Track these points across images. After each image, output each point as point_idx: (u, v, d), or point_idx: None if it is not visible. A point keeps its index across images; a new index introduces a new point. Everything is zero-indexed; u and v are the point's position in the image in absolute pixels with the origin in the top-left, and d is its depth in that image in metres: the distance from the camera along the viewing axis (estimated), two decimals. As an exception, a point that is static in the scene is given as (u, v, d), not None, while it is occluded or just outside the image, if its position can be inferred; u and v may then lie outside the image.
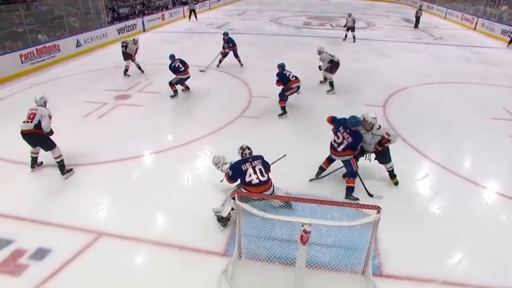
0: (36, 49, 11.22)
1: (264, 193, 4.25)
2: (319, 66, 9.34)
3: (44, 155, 5.52)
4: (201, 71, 10.75)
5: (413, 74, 10.96)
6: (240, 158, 4.49)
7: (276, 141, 6.59)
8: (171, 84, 8.58)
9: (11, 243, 4.11)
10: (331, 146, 5.04)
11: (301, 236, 3.02)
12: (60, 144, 5.35)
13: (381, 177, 5.45)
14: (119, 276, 3.74)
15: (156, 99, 8.64)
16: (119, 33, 15.74)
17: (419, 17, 20.16)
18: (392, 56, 13.38)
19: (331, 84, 9.18)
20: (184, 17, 22.55)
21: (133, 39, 10.22)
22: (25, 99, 8.71)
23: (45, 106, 5.34)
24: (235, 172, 4.36)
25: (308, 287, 3.41)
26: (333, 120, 5.23)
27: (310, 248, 3.44)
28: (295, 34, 17.48)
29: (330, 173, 5.37)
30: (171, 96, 8.65)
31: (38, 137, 5.14)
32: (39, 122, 5.07)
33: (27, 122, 5.10)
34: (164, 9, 21.40)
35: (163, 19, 20.22)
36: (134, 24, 17.17)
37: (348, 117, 4.92)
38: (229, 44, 11.06)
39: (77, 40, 13.14)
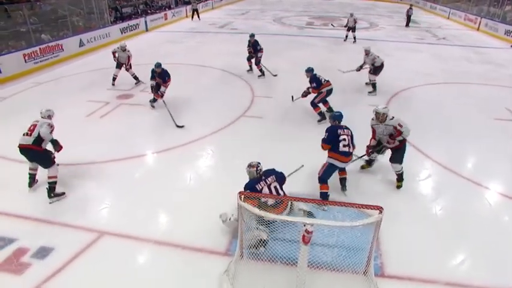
0: (40, 48, 11.26)
1: (282, 214, 3.85)
2: (360, 67, 9.26)
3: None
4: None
5: (415, 74, 10.93)
6: (248, 175, 4.21)
7: (279, 140, 6.59)
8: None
9: (13, 241, 4.13)
10: (343, 154, 4.69)
11: (303, 236, 3.02)
12: (63, 143, 5.16)
13: (382, 179, 5.45)
14: (121, 275, 3.75)
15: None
16: (121, 32, 15.77)
17: (410, 16, 20.40)
18: (394, 56, 13.34)
19: (374, 86, 9.07)
20: (187, 16, 22.58)
21: (120, 46, 9.20)
22: (28, 99, 8.79)
23: (49, 119, 4.99)
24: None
25: (310, 287, 3.41)
26: (328, 135, 4.80)
27: (312, 248, 3.45)
28: (298, 34, 17.47)
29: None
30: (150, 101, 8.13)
31: (34, 153, 4.74)
32: (39, 135, 4.68)
33: (26, 134, 4.72)
34: (167, 9, 21.42)
35: (166, 19, 20.25)
36: (137, 23, 17.20)
37: (332, 117, 4.99)
38: (257, 47, 10.14)
39: (80, 40, 13.17)
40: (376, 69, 8.87)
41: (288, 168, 5.16)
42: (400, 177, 5.18)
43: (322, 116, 7.33)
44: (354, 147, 4.82)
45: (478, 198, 5.12)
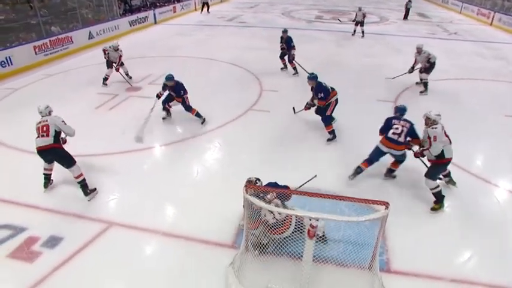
0: (50, 41, 11.37)
1: (284, 234, 3.72)
2: (411, 68, 8.90)
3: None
4: None
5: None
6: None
7: (287, 134, 6.59)
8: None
9: (24, 230, 4.22)
10: (390, 140, 4.82)
11: (308, 230, 3.03)
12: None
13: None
14: (128, 265, 3.81)
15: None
16: (130, 25, 15.82)
17: (409, 9, 20.30)
18: (405, 51, 13.17)
19: (426, 85, 8.73)
20: (195, 9, 22.54)
21: (112, 46, 8.86)
22: (38, 90, 8.90)
23: (51, 115, 4.88)
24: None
25: (315, 281, 3.43)
26: (384, 123, 5.05)
27: (318, 243, 3.46)
28: (307, 28, 17.34)
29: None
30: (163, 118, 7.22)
31: (57, 152, 4.67)
32: (56, 133, 4.63)
33: (43, 136, 4.56)
34: (176, 2, 21.38)
35: (174, 11, 20.24)
36: (146, 16, 17.22)
37: (395, 108, 5.21)
38: (290, 43, 9.56)
39: (89, 32, 13.24)
40: (430, 67, 8.48)
41: (296, 165, 5.17)
42: (436, 197, 4.64)
43: (333, 135, 6.36)
44: (406, 139, 4.81)
45: (487, 196, 5.07)
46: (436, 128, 4.43)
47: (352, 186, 5.08)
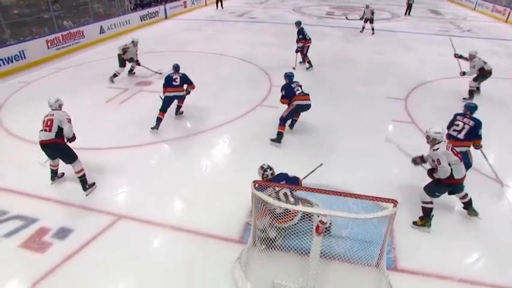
0: (62, 35, 11.49)
1: (290, 222, 3.72)
2: (463, 72, 8.09)
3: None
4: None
5: (438, 67, 10.62)
6: (259, 178, 4.12)
7: (296, 130, 6.58)
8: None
9: (35, 221, 4.31)
10: (450, 137, 4.75)
11: (317, 226, 3.03)
12: (83, 129, 5.28)
13: (399, 172, 5.38)
14: (136, 257, 3.86)
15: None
16: (141, 20, 15.90)
17: (411, 4, 20.23)
18: (416, 48, 13.01)
19: (472, 93, 8.10)
20: (206, 4, 22.53)
21: (134, 41, 9.02)
22: (50, 84, 9.02)
23: (60, 109, 4.83)
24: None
25: (321, 277, 3.43)
26: (450, 121, 5.01)
27: (325, 239, 3.45)
28: (318, 24, 17.20)
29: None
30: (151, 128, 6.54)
31: (58, 147, 4.66)
32: (59, 128, 4.59)
33: (45, 130, 4.56)
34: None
35: (185, 6, 20.26)
36: (156, 11, 17.27)
37: (465, 105, 5.09)
38: (299, 35, 9.69)
39: (101, 26, 13.34)
40: (482, 76, 7.93)
41: (304, 161, 5.16)
42: (423, 213, 4.34)
43: (279, 138, 6.12)
44: (467, 137, 4.74)
45: (497, 196, 4.99)
46: (437, 149, 4.03)
47: (359, 184, 5.04)
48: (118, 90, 8.43)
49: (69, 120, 4.69)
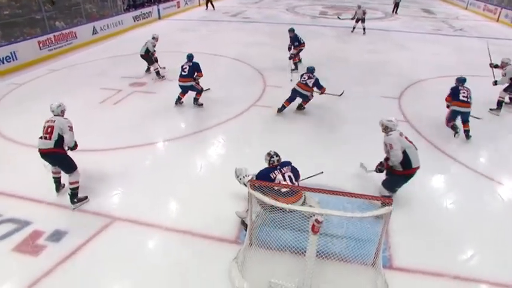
0: (54, 36, 11.38)
1: (295, 204, 3.72)
2: (495, 82, 7.59)
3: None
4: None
5: (431, 66, 10.71)
6: (266, 165, 4.20)
7: (290, 130, 6.58)
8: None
9: (29, 224, 4.25)
10: (462, 101, 6.19)
11: (313, 225, 3.03)
12: (76, 131, 4.97)
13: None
14: (131, 260, 3.83)
15: (171, 87, 8.67)
16: (134, 20, 15.80)
17: (398, 3, 20.53)
18: (410, 48, 13.10)
19: (500, 104, 7.51)
20: (199, 5, 22.46)
21: (154, 37, 9.37)
22: (43, 85, 8.94)
23: (63, 115, 4.65)
24: (264, 180, 3.92)
25: (318, 276, 3.43)
26: (450, 91, 6.43)
27: (321, 238, 3.46)
28: (311, 24, 17.25)
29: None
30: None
31: (57, 157, 4.52)
32: (59, 136, 4.42)
33: (45, 138, 4.40)
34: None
35: (178, 7, 20.18)
36: (150, 11, 17.19)
37: (457, 79, 6.54)
38: (295, 42, 9.74)
39: (93, 27, 13.24)
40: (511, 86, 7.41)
41: (299, 160, 5.15)
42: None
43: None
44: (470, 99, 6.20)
45: (490, 193, 5.04)
46: (390, 135, 4.27)
47: (355, 182, 5.06)
48: (112, 92, 8.37)
49: (71, 128, 4.53)
